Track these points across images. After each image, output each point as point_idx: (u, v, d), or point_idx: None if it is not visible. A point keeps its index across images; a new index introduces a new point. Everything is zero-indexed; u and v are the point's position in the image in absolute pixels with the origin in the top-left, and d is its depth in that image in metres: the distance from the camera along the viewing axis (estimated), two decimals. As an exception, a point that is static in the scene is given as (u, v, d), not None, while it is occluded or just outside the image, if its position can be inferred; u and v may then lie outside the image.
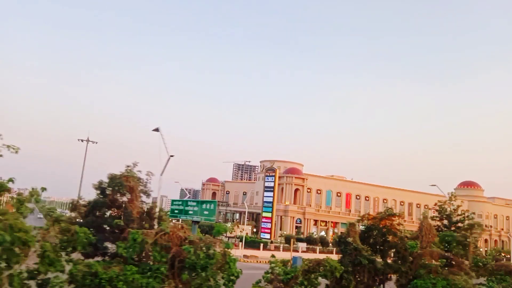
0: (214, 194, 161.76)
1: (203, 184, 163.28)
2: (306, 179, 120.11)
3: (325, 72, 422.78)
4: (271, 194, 79.64)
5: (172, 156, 28.26)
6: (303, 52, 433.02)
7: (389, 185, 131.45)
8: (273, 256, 21.25)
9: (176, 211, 25.90)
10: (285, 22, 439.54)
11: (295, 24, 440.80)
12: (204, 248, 16.90)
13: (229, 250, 17.19)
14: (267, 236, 77.76)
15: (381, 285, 29.78)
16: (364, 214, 31.66)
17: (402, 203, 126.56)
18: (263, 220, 78.47)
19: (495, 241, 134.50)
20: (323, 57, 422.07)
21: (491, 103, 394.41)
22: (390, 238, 29.31)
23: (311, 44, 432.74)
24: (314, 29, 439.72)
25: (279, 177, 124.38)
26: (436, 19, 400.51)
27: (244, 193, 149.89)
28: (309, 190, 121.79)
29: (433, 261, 28.86)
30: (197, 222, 24.22)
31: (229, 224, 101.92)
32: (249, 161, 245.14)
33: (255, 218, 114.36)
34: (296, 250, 73.85)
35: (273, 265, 20.34)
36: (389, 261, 30.27)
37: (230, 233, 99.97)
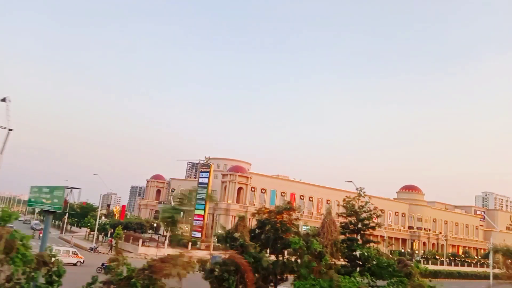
0: (158, 191, 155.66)
1: (147, 181, 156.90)
2: (251, 178, 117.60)
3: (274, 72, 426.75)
4: (204, 190, 75.99)
5: (11, 130, 23.83)
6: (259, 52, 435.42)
7: (333, 187, 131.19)
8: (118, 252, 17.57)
9: (32, 200, 21.72)
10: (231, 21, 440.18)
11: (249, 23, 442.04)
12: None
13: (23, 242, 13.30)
14: (199, 234, 73.87)
15: (275, 286, 26.91)
16: (261, 207, 28.72)
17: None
18: (195, 218, 74.59)
19: (433, 244, 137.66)
20: (275, 57, 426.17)
21: (435, 113, 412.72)
22: (287, 234, 26.51)
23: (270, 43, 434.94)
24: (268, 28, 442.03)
25: (223, 175, 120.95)
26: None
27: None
28: (253, 189, 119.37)
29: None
30: (52, 212, 20.24)
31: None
32: (203, 160, 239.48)
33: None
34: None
35: (114, 263, 16.67)
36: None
37: (167, 232, 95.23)
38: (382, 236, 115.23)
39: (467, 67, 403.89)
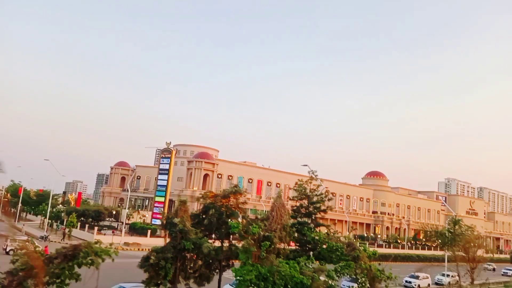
0: (123, 178, 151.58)
1: (112, 168, 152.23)
2: (217, 165, 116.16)
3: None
4: (165, 177, 73.72)
5: None
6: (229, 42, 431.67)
7: (300, 173, 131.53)
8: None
9: None
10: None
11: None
12: None
13: None
14: (159, 222, 71.64)
15: (220, 273, 25.70)
16: (206, 191, 27.34)
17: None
18: (155, 205, 72.49)
19: (396, 228, 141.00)
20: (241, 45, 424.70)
21: (403, 100, 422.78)
22: (232, 218, 25.27)
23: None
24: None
25: (189, 162, 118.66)
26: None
27: (156, 179, 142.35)
28: (219, 176, 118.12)
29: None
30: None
31: (126, 211, 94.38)
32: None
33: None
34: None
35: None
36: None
37: (128, 219, 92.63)
38: (346, 221, 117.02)
39: (430, 51, 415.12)
